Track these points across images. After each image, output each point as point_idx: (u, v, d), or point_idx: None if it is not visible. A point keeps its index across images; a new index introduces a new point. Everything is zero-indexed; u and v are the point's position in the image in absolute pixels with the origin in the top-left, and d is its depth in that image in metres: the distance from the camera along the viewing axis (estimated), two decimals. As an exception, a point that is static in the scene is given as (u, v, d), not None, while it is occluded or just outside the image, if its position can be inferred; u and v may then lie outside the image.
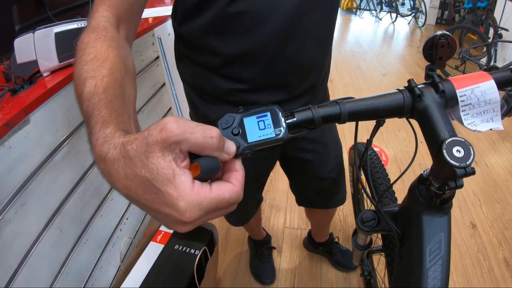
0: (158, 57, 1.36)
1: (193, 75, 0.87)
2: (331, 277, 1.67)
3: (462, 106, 0.46)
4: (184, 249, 1.19)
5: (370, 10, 8.26)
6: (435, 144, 0.45)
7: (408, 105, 0.48)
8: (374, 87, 3.85)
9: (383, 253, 0.95)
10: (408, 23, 6.90)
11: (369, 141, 0.64)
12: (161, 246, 1.20)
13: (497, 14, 4.12)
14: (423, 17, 6.52)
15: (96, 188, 0.95)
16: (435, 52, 0.51)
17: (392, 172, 2.33)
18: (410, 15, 6.91)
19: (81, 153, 0.88)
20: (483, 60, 3.79)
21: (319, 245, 1.72)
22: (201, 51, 0.79)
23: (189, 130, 0.32)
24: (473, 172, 0.41)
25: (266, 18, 0.69)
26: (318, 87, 0.92)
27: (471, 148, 0.41)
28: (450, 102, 0.47)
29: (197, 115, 0.94)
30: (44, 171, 0.78)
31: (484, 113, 0.46)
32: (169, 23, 1.37)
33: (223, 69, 0.78)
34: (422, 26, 6.50)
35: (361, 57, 4.91)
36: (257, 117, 0.43)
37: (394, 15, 7.09)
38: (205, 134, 0.33)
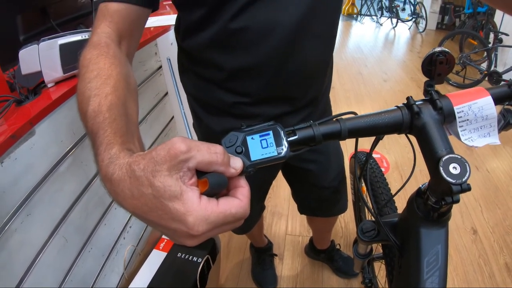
0: (161, 67, 1.37)
1: (197, 87, 0.88)
2: (333, 284, 1.67)
3: (459, 122, 0.47)
4: (186, 257, 1.20)
5: (370, 15, 8.29)
6: (432, 160, 0.46)
7: (406, 122, 0.50)
8: (375, 93, 3.85)
9: (383, 261, 0.96)
10: (409, 28, 6.92)
11: (369, 154, 0.65)
12: (164, 254, 1.21)
13: (497, 19, 4.14)
14: (424, 22, 6.54)
15: (100, 197, 0.96)
16: (434, 68, 0.52)
17: (394, 179, 2.33)
18: (411, 20, 6.93)
19: (85, 163, 0.89)
20: (484, 65, 3.80)
21: (320, 252, 1.72)
22: (205, 65, 0.80)
23: (195, 148, 0.33)
24: (468, 189, 0.42)
25: (268, 34, 0.70)
26: (320, 98, 0.94)
27: (467, 165, 0.42)
28: (448, 118, 0.48)
29: (201, 126, 0.95)
30: (49, 181, 0.79)
31: (481, 128, 0.47)
32: (171, 32, 1.38)
33: (226, 83, 0.80)
34: (423, 31, 6.52)
35: (362, 63, 4.92)
36: (260, 136, 0.44)
37: (394, 20, 7.11)
38: (210, 151, 0.34)
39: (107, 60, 0.50)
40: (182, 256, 1.20)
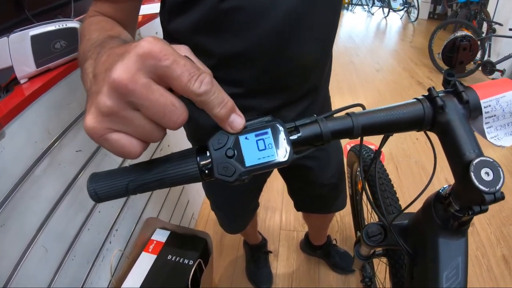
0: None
1: None
2: (330, 280, 1.63)
3: (486, 118, 0.41)
4: (177, 259, 1.14)
5: (362, 5, 8.24)
6: (459, 163, 0.40)
7: (428, 117, 0.43)
8: (368, 82, 3.82)
9: (383, 257, 0.91)
10: (401, 18, 6.90)
11: (378, 152, 0.59)
12: (154, 257, 1.15)
13: (490, 8, 4.12)
14: (416, 11, 6.52)
15: (81, 202, 0.90)
16: (456, 55, 0.46)
17: (389, 171, 2.29)
18: (402, 9, 6.91)
19: (64, 165, 0.82)
20: (477, 55, 3.78)
21: (316, 248, 1.68)
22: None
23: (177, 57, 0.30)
24: (502, 198, 0.37)
25: (263, 15, 0.63)
26: (319, 90, 0.87)
27: (500, 170, 0.37)
28: (473, 113, 0.42)
29: (190, 121, 0.88)
30: (24, 187, 0.72)
31: (508, 125, 0.41)
32: (156, 21, 1.31)
33: (217, 71, 0.72)
34: (415, 21, 6.50)
35: (354, 53, 4.88)
36: (256, 135, 0.37)
37: (386, 10, 7.08)
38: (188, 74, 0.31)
39: (109, 23, 0.53)
40: (173, 259, 1.14)
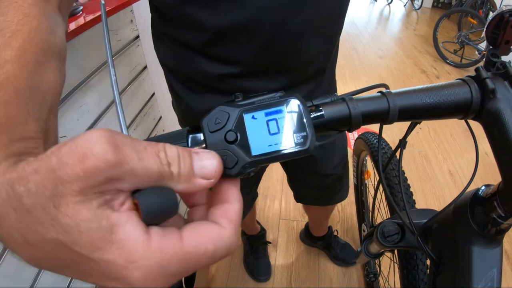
0: (138, 36, 1.20)
1: (174, 56, 0.71)
2: (330, 272, 1.59)
3: None
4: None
5: (365, -10, 8.06)
6: (509, 159, 0.34)
7: (476, 102, 0.35)
8: (371, 69, 3.73)
9: (391, 255, 0.85)
10: (404, 5, 6.77)
11: (403, 142, 0.52)
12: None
13: (497, -3, 4.04)
14: (420, -1, 6.39)
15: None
16: (503, 33, 0.38)
17: (392, 161, 2.24)
18: (406, -4, 6.77)
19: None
20: (482, 45, 3.71)
21: (317, 239, 1.63)
22: (182, 26, 0.63)
23: (135, 156, 0.20)
24: None
25: None
26: (326, 71, 0.78)
27: None
28: None
29: (180, 106, 0.79)
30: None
31: None
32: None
33: (210, 48, 0.63)
34: (419, 8, 6.37)
35: (357, 39, 4.77)
36: (266, 114, 0.28)
37: (389, -4, 6.93)
38: (159, 160, 0.21)
39: (21, 10, 0.30)
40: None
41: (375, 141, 1.03)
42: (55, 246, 0.19)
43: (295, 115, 0.28)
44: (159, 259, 0.20)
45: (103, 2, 0.33)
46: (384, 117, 0.35)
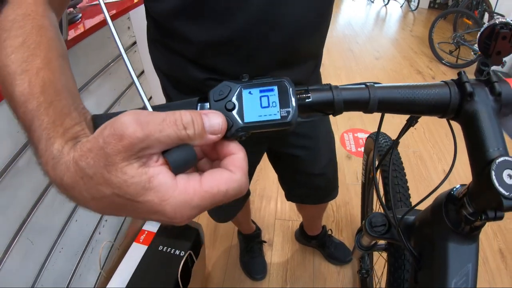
0: (135, 43, 1.23)
1: (166, 61, 0.75)
2: (325, 271, 1.62)
3: None
4: (168, 250, 1.11)
5: (362, -9, 8.09)
6: (480, 160, 0.36)
7: (454, 103, 0.39)
8: (367, 70, 3.76)
9: (383, 252, 0.88)
10: (401, 6, 6.80)
11: (396, 141, 0.55)
12: (145, 247, 1.12)
13: (492, -2, 4.07)
14: (416, 0, 6.42)
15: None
16: (494, 44, 0.41)
17: (386, 161, 2.27)
18: (403, -3, 6.80)
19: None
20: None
21: (311, 238, 1.66)
22: (173, 37, 0.66)
23: (157, 129, 0.26)
24: None
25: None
26: (311, 79, 0.82)
27: None
28: (504, 109, 0.38)
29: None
30: (6, 179, 0.67)
31: None
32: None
33: (198, 58, 0.67)
34: (415, 9, 6.41)
35: (353, 40, 4.80)
36: (260, 91, 0.34)
37: (386, -3, 6.97)
38: (176, 127, 0.27)
39: (36, 22, 0.37)
40: (164, 249, 1.11)
41: (382, 140, 1.07)
42: (112, 198, 0.27)
43: (283, 94, 0.34)
44: (184, 197, 0.27)
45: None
46: (364, 105, 0.39)
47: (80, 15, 1.03)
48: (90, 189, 0.27)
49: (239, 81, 0.36)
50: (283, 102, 0.34)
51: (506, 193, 0.33)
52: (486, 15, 4.05)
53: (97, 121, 0.34)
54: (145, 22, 0.78)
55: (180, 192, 0.27)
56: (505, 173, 0.33)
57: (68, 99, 0.33)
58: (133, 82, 0.36)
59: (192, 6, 0.58)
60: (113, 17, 1.04)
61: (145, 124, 0.26)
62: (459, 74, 0.39)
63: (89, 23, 0.99)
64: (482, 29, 0.41)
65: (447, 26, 4.87)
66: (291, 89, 0.35)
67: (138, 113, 0.26)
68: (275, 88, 0.35)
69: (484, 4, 4.18)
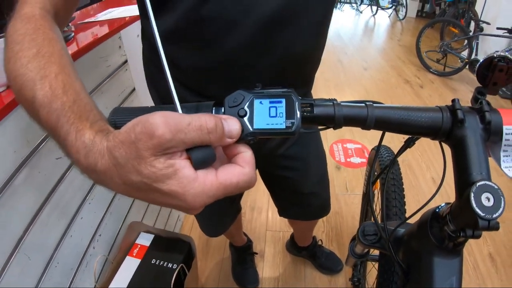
0: (126, 61, 1.27)
1: (159, 82, 0.78)
2: (316, 281, 1.64)
3: (504, 145, 0.41)
4: (161, 263, 1.14)
5: (350, 3, 8.25)
6: (463, 182, 0.40)
7: (446, 127, 0.42)
8: (355, 81, 3.83)
9: (376, 263, 0.90)
10: (389, 16, 6.93)
11: (394, 159, 0.60)
12: (138, 261, 1.15)
13: (478, 7, 4.18)
14: (404, 10, 6.55)
15: (62, 208, 0.88)
16: (491, 75, 0.45)
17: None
18: (391, 8, 6.94)
19: (44, 173, 0.81)
20: (465, 53, 3.82)
21: (302, 249, 1.69)
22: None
23: (183, 130, 0.30)
24: (496, 228, 0.36)
25: (236, 27, 0.58)
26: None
27: (502, 199, 0.36)
28: (492, 137, 0.41)
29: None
30: (4, 197, 0.71)
31: None
32: (138, 23, 1.28)
33: (186, 82, 0.70)
34: (403, 19, 6.53)
35: (342, 51, 4.88)
36: (270, 102, 0.39)
37: (374, 8, 7.11)
38: (201, 132, 0.31)
39: (46, 35, 0.43)
40: (157, 263, 1.14)
41: (385, 153, 1.10)
42: (141, 185, 0.31)
43: (290, 106, 0.38)
44: (202, 187, 0.31)
45: None
46: (362, 122, 0.43)
47: (73, 34, 1.07)
48: (121, 176, 0.31)
49: (252, 90, 0.40)
50: (289, 113, 0.38)
51: (482, 214, 0.36)
52: (473, 24, 4.15)
53: (117, 114, 0.40)
54: (136, 41, 0.81)
55: (199, 183, 0.31)
56: (484, 195, 0.37)
57: (87, 98, 0.39)
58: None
59: (181, 32, 0.61)
60: (103, 38, 1.08)
61: (173, 126, 0.30)
62: (452, 101, 0.43)
63: (81, 42, 1.03)
64: (481, 61, 0.45)
65: (434, 35, 4.96)
66: (297, 102, 0.38)
67: (166, 116, 0.30)
68: (283, 100, 0.39)
69: (470, 13, 4.27)
